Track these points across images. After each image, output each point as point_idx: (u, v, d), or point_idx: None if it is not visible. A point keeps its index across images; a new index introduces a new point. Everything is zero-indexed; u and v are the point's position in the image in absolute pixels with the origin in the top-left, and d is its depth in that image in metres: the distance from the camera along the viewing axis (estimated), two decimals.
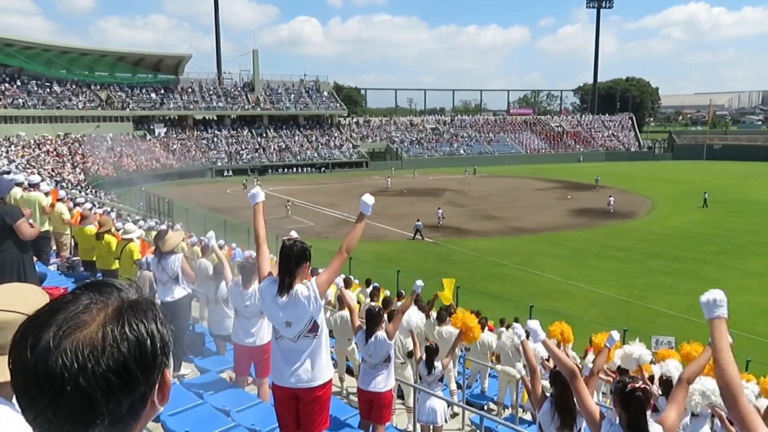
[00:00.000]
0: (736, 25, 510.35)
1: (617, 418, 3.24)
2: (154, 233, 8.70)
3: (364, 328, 5.61)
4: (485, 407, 9.53)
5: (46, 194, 10.44)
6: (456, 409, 7.87)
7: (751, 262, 26.93)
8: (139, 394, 0.89)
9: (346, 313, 8.62)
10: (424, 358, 6.69)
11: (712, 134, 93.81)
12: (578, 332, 15.63)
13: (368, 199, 4.04)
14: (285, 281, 3.77)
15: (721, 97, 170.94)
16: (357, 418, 5.84)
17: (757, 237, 32.03)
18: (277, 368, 4.00)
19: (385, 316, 5.95)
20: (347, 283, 12.77)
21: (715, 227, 34.84)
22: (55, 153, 51.26)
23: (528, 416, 8.87)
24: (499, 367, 9.21)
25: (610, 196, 42.33)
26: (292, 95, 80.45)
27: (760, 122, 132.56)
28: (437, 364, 6.67)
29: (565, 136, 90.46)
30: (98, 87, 66.52)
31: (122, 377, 0.86)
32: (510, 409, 9.37)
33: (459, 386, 9.21)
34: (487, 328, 10.62)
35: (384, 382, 5.50)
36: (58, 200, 11.11)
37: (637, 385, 3.14)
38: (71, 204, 14.06)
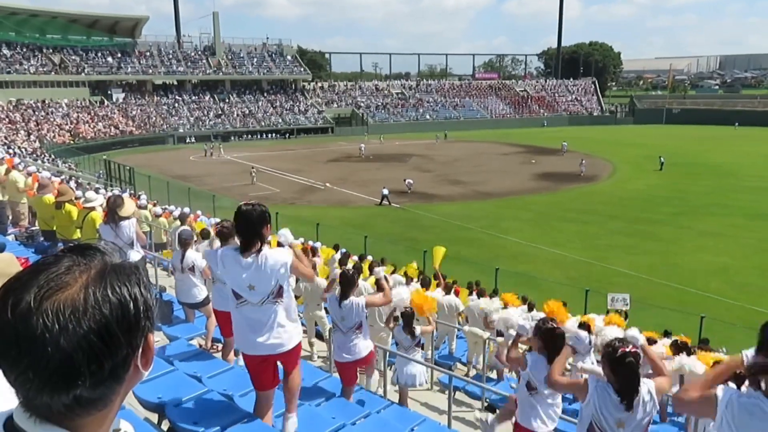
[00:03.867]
0: None
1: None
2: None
3: (337, 291, 5.57)
4: (453, 367, 9.76)
5: None
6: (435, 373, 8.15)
7: (706, 222, 27.86)
8: (122, 357, 0.89)
9: (317, 278, 8.66)
10: (401, 323, 6.80)
11: (672, 98, 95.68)
12: (542, 294, 16.08)
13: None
14: (250, 243, 3.75)
15: (681, 62, 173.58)
16: (328, 381, 5.91)
17: (713, 199, 33.06)
18: (245, 337, 3.94)
19: (365, 282, 5.93)
20: (315, 252, 12.76)
21: (673, 189, 35.80)
22: (7, 120, 49.29)
23: (494, 375, 9.14)
24: (466, 328, 9.41)
25: (582, 159, 42.83)
26: (255, 59, 78.57)
27: (717, 86, 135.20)
28: (418, 329, 6.86)
29: (529, 100, 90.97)
30: (51, 50, 63.71)
31: (104, 339, 0.86)
32: (477, 368, 9.62)
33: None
34: (453, 291, 10.81)
35: (359, 348, 5.43)
36: (13, 168, 10.74)
37: (627, 350, 3.14)
38: (26, 173, 13.60)
